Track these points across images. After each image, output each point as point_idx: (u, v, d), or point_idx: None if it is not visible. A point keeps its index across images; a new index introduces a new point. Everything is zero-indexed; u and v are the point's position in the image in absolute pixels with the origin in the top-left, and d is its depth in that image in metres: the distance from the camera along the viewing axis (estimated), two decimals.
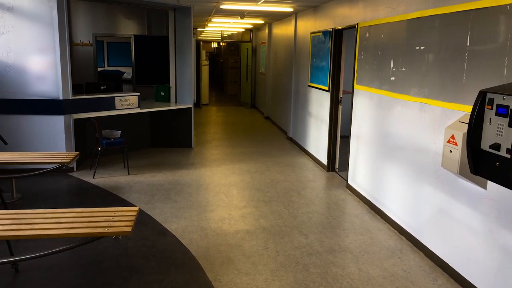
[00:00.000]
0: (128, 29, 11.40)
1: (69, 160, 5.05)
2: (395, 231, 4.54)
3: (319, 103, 7.28)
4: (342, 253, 4.00)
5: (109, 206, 5.11)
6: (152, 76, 11.38)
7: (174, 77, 8.37)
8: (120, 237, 3.13)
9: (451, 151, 3.27)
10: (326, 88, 6.88)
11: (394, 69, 4.62)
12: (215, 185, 6.07)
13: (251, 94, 14.88)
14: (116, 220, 3.31)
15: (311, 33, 7.73)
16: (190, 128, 8.29)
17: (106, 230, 3.13)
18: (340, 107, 6.72)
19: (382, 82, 4.91)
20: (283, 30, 10.50)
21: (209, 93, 16.06)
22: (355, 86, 5.69)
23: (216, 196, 5.59)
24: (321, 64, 7.17)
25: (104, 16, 11.36)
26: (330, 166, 6.86)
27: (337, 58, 6.58)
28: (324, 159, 7.03)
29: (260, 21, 10.91)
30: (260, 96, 13.77)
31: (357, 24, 5.60)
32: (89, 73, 11.45)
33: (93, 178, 6.21)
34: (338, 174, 6.71)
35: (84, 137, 7.04)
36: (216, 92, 20.05)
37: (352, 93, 5.81)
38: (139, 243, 4.13)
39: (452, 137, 3.26)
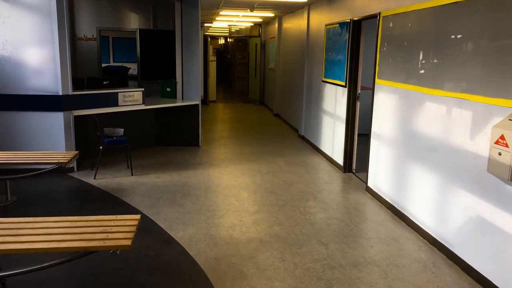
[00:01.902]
0: (133, 23, 11.01)
1: (67, 161, 4.66)
2: (425, 240, 4.09)
3: (335, 100, 6.83)
4: (368, 267, 3.57)
5: (110, 210, 4.72)
6: (158, 71, 10.98)
7: (181, 72, 7.96)
8: (118, 252, 2.73)
9: (500, 154, 2.83)
10: (343, 84, 6.43)
11: (423, 61, 4.16)
12: (224, 187, 5.65)
13: (260, 90, 14.45)
14: (114, 231, 2.91)
15: (326, 25, 7.28)
16: (197, 126, 7.88)
17: (102, 243, 2.73)
18: (358, 103, 6.27)
19: (409, 76, 4.46)
20: (294, 24, 10.04)
21: (216, 89, 15.65)
22: (376, 80, 5.24)
23: (226, 199, 5.17)
24: (337, 58, 6.72)
25: (108, 9, 10.96)
26: (346, 167, 6.42)
27: (355, 51, 6.13)
28: (340, 159, 6.58)
29: (270, 14, 10.47)
30: (269, 92, 13.33)
31: (379, 13, 5.15)
32: (93, 69, 11.08)
33: (94, 179, 5.82)
34: (356, 176, 6.27)
35: (86, 135, 6.66)
36: (223, 88, 19.63)
37: (372, 89, 5.37)
38: (141, 254, 3.72)
39: (502, 137, 2.81)
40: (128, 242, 2.76)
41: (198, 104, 7.81)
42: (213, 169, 6.49)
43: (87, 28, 10.82)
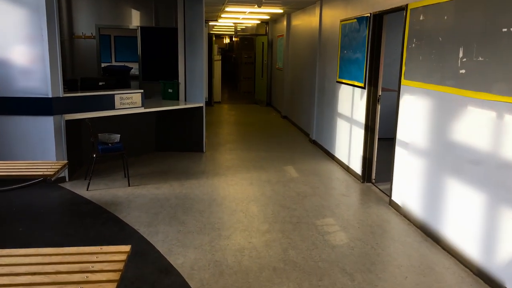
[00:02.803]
0: (134, 20, 10.46)
1: (53, 173, 4.09)
2: (467, 270, 3.49)
3: (352, 102, 6.24)
4: None
5: (101, 228, 4.16)
6: (160, 71, 10.42)
7: (183, 72, 7.39)
8: None
9: None
10: (361, 85, 5.84)
11: (464, 60, 3.56)
12: (231, 200, 5.08)
13: (267, 91, 13.86)
14: (97, 269, 2.34)
15: (341, 21, 6.68)
16: (201, 130, 7.31)
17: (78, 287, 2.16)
18: (379, 106, 5.67)
19: (445, 76, 3.86)
20: (304, 21, 9.46)
21: (221, 90, 15.07)
22: (403, 81, 4.65)
23: (233, 215, 4.59)
24: (354, 57, 6.12)
25: (108, 6, 10.42)
26: (365, 176, 5.82)
27: (376, 48, 5.54)
28: (357, 168, 5.99)
29: (279, 10, 9.88)
30: (276, 93, 12.74)
31: (406, 5, 4.55)
32: (92, 69, 10.55)
33: (87, 190, 5.25)
34: (376, 186, 5.67)
35: (79, 141, 6.10)
36: (228, 89, 19.07)
37: (397, 91, 4.77)
38: (134, 286, 3.15)
39: None
40: (113, 286, 2.19)
41: (202, 107, 7.23)
42: (218, 178, 5.91)
43: (85, 26, 10.30)
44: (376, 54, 5.56)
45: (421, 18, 4.27)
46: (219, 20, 12.62)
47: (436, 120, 4.03)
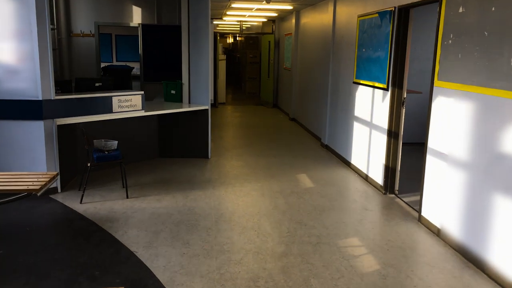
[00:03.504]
0: (136, 17, 9.95)
1: (38, 187, 3.59)
2: None
3: (371, 105, 5.70)
4: None
5: (93, 251, 3.63)
6: (163, 71, 9.89)
7: (187, 72, 6.86)
8: None
9: None
10: (383, 86, 5.30)
11: None
12: (241, 214, 4.54)
13: (274, 92, 13.32)
14: None
15: (359, 16, 6.14)
16: (206, 134, 6.78)
17: None
18: (403, 110, 5.13)
19: (492, 77, 3.32)
20: (315, 17, 8.92)
21: (226, 90, 14.54)
22: (436, 82, 4.10)
23: (244, 234, 4.06)
24: (374, 55, 5.58)
25: (108, 3, 9.90)
26: (388, 187, 5.28)
27: (401, 45, 5.00)
28: (378, 178, 5.45)
29: (288, 6, 9.34)
30: (284, 94, 12.20)
31: None
32: (91, 69, 10.04)
33: (81, 203, 4.73)
34: (400, 199, 5.13)
35: (74, 148, 5.58)
36: (232, 89, 18.54)
37: (430, 93, 4.23)
38: None
39: None
40: None
41: (207, 110, 6.71)
42: (225, 188, 5.38)
43: (84, 24, 9.79)
44: (401, 52, 5.01)
45: (460, 10, 3.73)
46: (224, 18, 12.10)
47: (481, 128, 3.48)
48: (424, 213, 4.33)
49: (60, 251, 3.67)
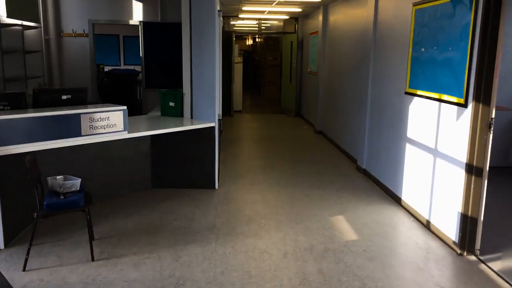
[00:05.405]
0: (136, 14, 8.57)
1: None
2: None
3: (437, 125, 4.12)
4: None
5: None
6: (167, 77, 8.50)
7: (189, 80, 5.39)
8: None
9: None
10: (458, 100, 3.72)
11: None
12: None
13: (296, 99, 11.77)
14: None
15: (415, 4, 4.57)
16: (213, 158, 5.30)
17: None
18: (490, 135, 3.54)
19: None
20: (349, 12, 7.36)
21: (243, 96, 13.06)
22: None
23: None
24: (442, 56, 4.01)
25: None
26: (465, 245, 3.69)
27: (489, 42, 3.41)
28: (449, 229, 3.86)
29: None
30: (308, 102, 10.64)
31: None
32: (84, 75, 8.68)
33: (24, 270, 3.30)
34: (485, 264, 3.53)
35: (22, 187, 4.16)
36: (251, 94, 17.05)
37: None
38: None
39: None
40: None
41: (213, 127, 5.23)
42: (233, 242, 3.87)
43: (77, 22, 8.46)
44: (489, 52, 3.43)
45: None
46: (240, 15, 10.63)
47: None
48: None
49: None
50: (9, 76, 6.38)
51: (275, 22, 13.42)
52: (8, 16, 6.36)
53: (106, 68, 11.27)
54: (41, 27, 7.80)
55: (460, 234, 3.70)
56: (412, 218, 4.52)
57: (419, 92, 4.48)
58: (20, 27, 6.81)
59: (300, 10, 9.54)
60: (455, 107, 3.79)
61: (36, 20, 7.58)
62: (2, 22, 6.19)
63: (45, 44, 8.03)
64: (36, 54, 7.55)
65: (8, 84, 6.30)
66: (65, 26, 8.30)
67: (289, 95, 12.10)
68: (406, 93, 4.79)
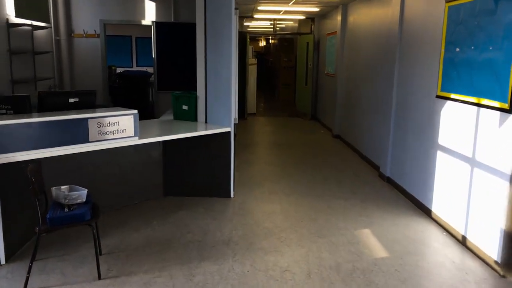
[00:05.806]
0: (149, 14, 8.34)
1: None
2: None
3: (475, 132, 3.75)
4: None
5: None
6: (180, 78, 8.23)
7: (204, 82, 5.10)
8: None
9: None
10: (502, 105, 3.36)
11: None
12: None
13: (312, 101, 11.43)
14: None
15: (448, 1, 4.21)
16: (228, 165, 4.99)
17: None
18: None
19: None
20: (371, 11, 7.02)
21: (257, 98, 12.77)
22: None
23: None
24: (482, 57, 3.65)
25: None
26: (509, 265, 3.32)
27: None
28: (489, 247, 3.50)
29: None
30: (325, 105, 10.30)
31: None
32: (95, 76, 8.47)
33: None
34: None
35: (23, 197, 3.90)
36: (264, 97, 16.75)
37: None
38: None
39: None
40: None
41: (229, 132, 4.93)
42: (253, 259, 3.55)
43: (88, 22, 8.25)
44: None
45: None
46: (255, 15, 10.34)
47: None
48: None
49: None
50: (18, 78, 6.17)
51: (290, 22, 13.11)
52: (17, 16, 6.16)
53: (119, 70, 11.07)
54: (51, 27, 7.59)
55: (504, 254, 3.33)
56: (445, 233, 4.16)
57: (453, 96, 4.13)
58: (30, 27, 6.61)
59: (317, 9, 9.21)
60: (498, 112, 3.43)
61: (46, 20, 7.37)
62: (10, 22, 5.98)
63: (55, 45, 7.82)
64: (46, 55, 7.34)
65: (16, 86, 6.09)
66: (76, 26, 8.09)
67: (304, 98, 11.77)
68: (438, 96, 4.43)
